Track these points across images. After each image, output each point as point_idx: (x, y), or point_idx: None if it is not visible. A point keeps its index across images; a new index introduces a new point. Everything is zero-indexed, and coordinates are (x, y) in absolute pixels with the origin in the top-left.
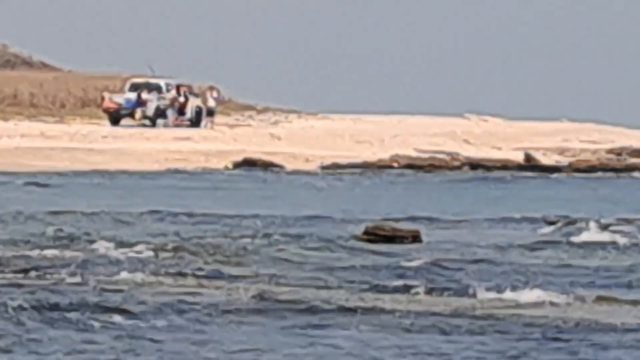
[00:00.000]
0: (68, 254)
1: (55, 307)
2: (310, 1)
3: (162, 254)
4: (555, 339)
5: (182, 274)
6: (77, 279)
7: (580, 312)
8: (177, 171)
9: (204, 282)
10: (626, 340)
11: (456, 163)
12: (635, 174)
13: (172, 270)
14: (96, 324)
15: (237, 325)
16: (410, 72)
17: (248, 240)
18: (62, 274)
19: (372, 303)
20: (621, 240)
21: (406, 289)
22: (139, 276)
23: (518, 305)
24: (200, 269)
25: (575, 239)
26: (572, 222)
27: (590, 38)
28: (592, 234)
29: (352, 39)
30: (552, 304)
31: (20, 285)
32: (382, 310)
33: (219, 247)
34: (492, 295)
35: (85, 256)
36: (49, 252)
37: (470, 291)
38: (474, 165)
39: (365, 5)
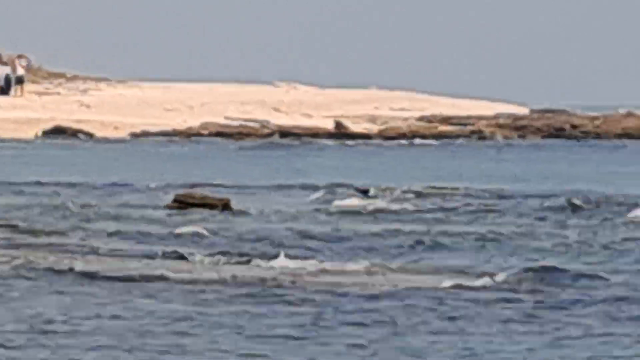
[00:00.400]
0: None
1: None
2: None
3: None
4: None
5: None
6: None
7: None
8: None
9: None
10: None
11: (266, 131)
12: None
13: None
14: None
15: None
16: (220, 39)
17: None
18: None
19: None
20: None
21: (196, 256)
22: None
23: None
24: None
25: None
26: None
27: (407, 6)
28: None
29: (165, 4)
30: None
31: None
32: (182, 281)
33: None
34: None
35: None
36: None
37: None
38: (284, 133)
39: None
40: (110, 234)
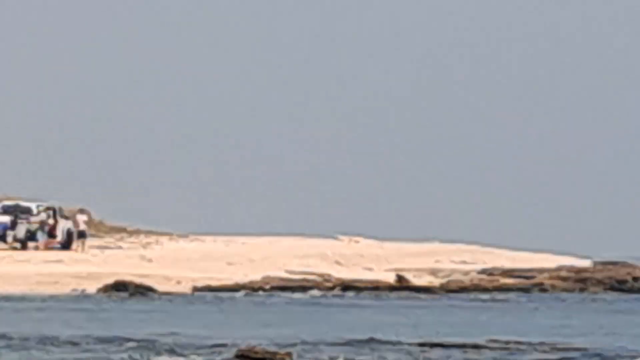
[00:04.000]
0: None
1: None
2: (175, 123)
3: None
4: None
5: None
6: None
7: None
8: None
9: None
10: None
11: (327, 284)
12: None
13: None
14: None
15: None
16: (280, 192)
17: None
18: None
19: None
20: None
21: None
22: None
23: None
24: None
25: None
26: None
27: (456, 160)
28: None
29: (221, 161)
30: None
31: None
32: None
33: None
34: None
35: None
36: None
37: None
38: (346, 286)
39: (231, 133)
40: None
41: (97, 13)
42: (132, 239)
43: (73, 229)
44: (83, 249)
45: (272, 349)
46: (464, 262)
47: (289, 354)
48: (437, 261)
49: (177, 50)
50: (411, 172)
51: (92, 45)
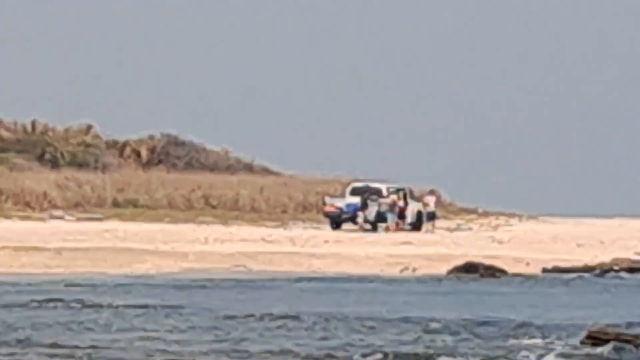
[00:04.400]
0: None
1: None
2: (521, 109)
3: None
4: None
5: None
6: None
7: None
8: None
9: None
10: None
11: None
12: None
13: None
14: None
15: None
16: (630, 175)
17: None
18: None
19: None
20: None
21: None
22: None
23: None
24: None
25: None
26: None
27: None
28: None
29: (574, 143)
30: None
31: None
32: None
33: None
34: None
35: None
36: None
37: None
38: None
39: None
40: None
41: None
42: (482, 220)
43: (423, 211)
44: (433, 231)
45: (624, 330)
46: None
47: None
48: None
49: None
50: None
51: None
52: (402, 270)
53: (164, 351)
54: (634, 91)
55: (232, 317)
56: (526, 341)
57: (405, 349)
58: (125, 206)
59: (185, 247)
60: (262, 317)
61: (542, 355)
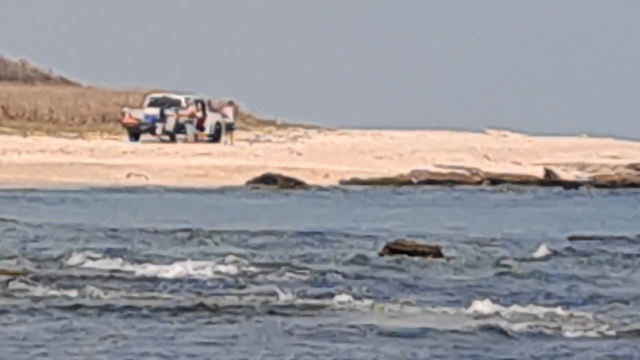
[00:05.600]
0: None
1: None
2: (328, 17)
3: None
4: None
5: None
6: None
7: None
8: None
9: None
10: None
11: (476, 178)
12: None
13: None
14: None
15: None
16: (429, 87)
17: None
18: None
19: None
20: None
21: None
22: None
23: None
24: None
25: None
26: None
27: (610, 54)
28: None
29: (372, 54)
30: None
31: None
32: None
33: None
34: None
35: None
36: None
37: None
38: (494, 180)
39: (384, 21)
40: None
41: None
42: (281, 132)
43: (222, 122)
44: (232, 142)
45: (421, 242)
46: (613, 157)
47: (438, 248)
48: (585, 156)
49: None
50: (560, 65)
51: None
52: (128, 175)
53: None
54: None
55: None
56: (321, 250)
57: None
58: None
59: None
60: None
61: (340, 265)
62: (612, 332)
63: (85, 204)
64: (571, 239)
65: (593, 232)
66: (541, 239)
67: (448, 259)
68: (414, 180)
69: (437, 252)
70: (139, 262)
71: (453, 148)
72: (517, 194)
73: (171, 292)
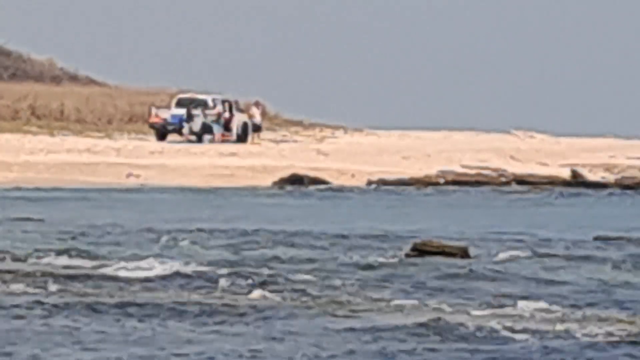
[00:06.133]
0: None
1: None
2: (356, 18)
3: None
4: None
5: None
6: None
7: None
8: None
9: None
10: None
11: (503, 179)
12: None
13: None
14: None
15: None
16: (456, 88)
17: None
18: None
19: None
20: None
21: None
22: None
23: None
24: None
25: None
26: None
27: (638, 55)
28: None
29: (399, 55)
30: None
31: None
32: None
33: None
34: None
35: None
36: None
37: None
38: (521, 181)
39: (412, 22)
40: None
41: None
42: (308, 132)
43: (248, 122)
44: (258, 142)
45: (449, 243)
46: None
47: (465, 249)
48: (612, 157)
49: None
50: (587, 66)
51: None
52: (127, 176)
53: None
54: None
55: None
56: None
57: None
58: None
59: (10, 158)
60: None
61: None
62: None
63: (95, 203)
64: (596, 239)
65: (619, 233)
66: (567, 238)
67: (475, 258)
68: (441, 180)
69: (464, 253)
70: (99, 259)
71: (479, 148)
72: (543, 194)
73: (122, 289)
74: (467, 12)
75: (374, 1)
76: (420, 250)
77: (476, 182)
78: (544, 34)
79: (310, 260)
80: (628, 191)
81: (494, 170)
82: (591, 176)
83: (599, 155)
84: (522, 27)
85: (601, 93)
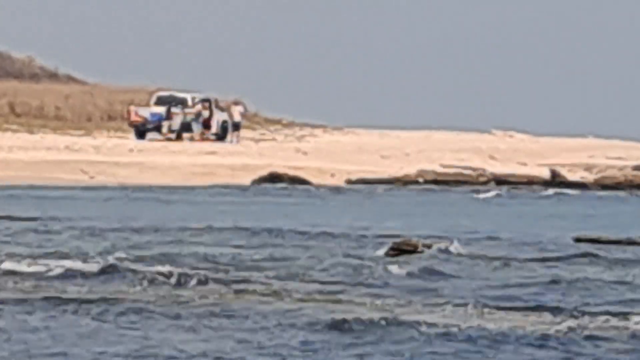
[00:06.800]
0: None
1: None
2: (334, 17)
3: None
4: None
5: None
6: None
7: None
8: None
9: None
10: None
11: (482, 179)
12: None
13: None
14: None
15: None
16: (436, 87)
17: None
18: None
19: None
20: None
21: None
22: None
23: None
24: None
25: None
26: None
27: (617, 55)
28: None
29: (378, 54)
30: None
31: None
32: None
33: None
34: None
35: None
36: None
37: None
38: (500, 181)
39: (391, 21)
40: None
41: None
42: (287, 131)
43: (228, 121)
44: (238, 141)
45: (428, 242)
46: (619, 158)
47: (446, 247)
48: (591, 157)
49: None
50: (566, 66)
51: None
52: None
53: None
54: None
55: None
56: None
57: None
58: None
59: None
60: None
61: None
62: None
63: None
64: (577, 240)
65: (599, 233)
66: (546, 240)
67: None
68: (421, 180)
69: (444, 252)
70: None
71: (459, 148)
72: (523, 194)
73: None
74: (447, 12)
75: (353, 0)
76: (399, 250)
77: (456, 181)
78: (524, 34)
79: (284, 259)
80: (607, 191)
81: (474, 169)
82: (571, 176)
83: (579, 155)
84: (501, 28)
85: (581, 93)
